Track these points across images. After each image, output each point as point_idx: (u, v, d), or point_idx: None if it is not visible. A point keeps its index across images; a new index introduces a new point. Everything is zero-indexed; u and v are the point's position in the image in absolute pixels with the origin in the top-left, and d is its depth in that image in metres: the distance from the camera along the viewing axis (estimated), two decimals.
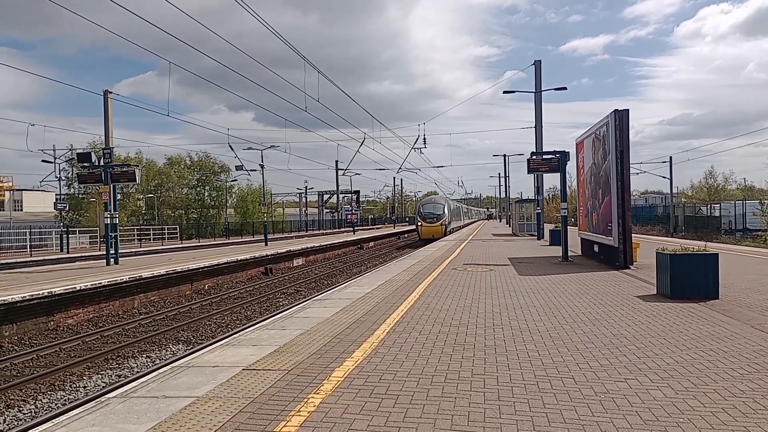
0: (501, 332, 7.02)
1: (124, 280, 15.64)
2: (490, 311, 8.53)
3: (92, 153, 22.10)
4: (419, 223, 45.56)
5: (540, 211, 31.41)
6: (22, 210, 79.93)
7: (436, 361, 5.70)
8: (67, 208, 46.98)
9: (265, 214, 42.61)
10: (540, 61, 29.96)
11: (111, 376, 9.77)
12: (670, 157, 56.87)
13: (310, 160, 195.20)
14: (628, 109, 13.83)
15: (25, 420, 7.72)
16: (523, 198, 54.40)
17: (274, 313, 13.97)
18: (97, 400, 4.92)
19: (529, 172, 18.81)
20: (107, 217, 20.25)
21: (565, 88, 31.85)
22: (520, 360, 5.68)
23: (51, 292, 13.01)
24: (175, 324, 13.87)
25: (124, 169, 20.12)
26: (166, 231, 49.60)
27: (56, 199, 45.51)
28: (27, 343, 11.89)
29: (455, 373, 5.24)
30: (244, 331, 7.89)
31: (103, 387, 9.01)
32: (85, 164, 20.56)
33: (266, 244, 33.16)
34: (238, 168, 48.61)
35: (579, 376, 5.11)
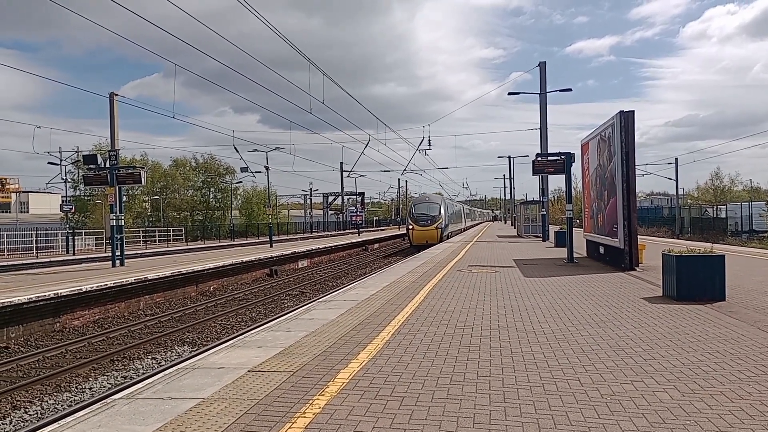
0: (506, 334, 7.00)
1: (130, 281, 15.68)
2: (496, 313, 8.51)
3: (98, 155, 22.20)
4: (410, 227, 38.95)
5: (545, 212, 31.35)
6: (28, 212, 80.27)
7: (441, 362, 5.69)
8: (73, 210, 47.18)
9: (270, 216, 42.63)
10: (545, 62, 29.92)
11: (117, 377, 9.80)
12: (676, 159, 56.83)
13: (314, 161, 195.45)
14: (633, 111, 13.78)
15: (31, 421, 7.74)
16: (528, 199, 54.29)
17: (279, 314, 13.99)
18: (103, 401, 4.93)
19: (534, 173, 18.79)
20: (113, 219, 20.31)
21: (570, 90, 31.86)
22: (526, 362, 5.66)
23: (57, 293, 13.05)
24: (181, 325, 13.89)
25: (130, 171, 20.19)
26: (171, 233, 49.77)
27: (62, 201, 45.72)
28: (33, 344, 11.93)
29: (460, 375, 5.23)
30: (249, 333, 7.89)
31: (109, 388, 9.03)
32: (91, 166, 20.64)
33: (271, 246, 33.20)
34: (243, 170, 48.68)
35: (585, 378, 5.09)
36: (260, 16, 16.75)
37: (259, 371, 5.53)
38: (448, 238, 38.67)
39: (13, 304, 11.87)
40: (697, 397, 4.52)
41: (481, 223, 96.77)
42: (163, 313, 15.63)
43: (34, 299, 12.40)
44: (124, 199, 24.02)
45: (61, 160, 45.00)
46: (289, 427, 4.02)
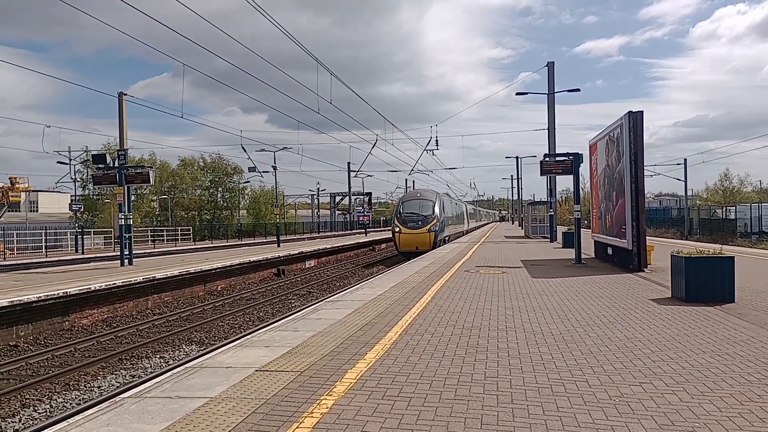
0: (514, 335, 6.98)
1: (138, 280, 15.75)
2: (503, 314, 8.49)
3: (107, 154, 22.31)
4: (396, 229, 31.16)
5: (553, 213, 31.24)
6: (37, 211, 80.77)
7: (449, 363, 5.68)
8: (81, 209, 47.44)
9: (278, 216, 42.73)
10: (553, 62, 29.80)
11: (125, 376, 9.84)
12: (685, 159, 56.59)
13: (322, 161, 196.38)
14: (642, 111, 13.73)
15: (40, 419, 7.79)
16: (536, 200, 54.11)
17: (287, 314, 14.01)
18: (111, 400, 4.96)
19: (542, 174, 18.71)
20: (121, 218, 20.42)
21: (578, 90, 31.76)
22: (534, 363, 5.65)
23: (66, 292, 13.12)
24: (189, 325, 13.94)
25: (139, 171, 20.28)
26: (179, 232, 49.98)
27: (71, 200, 46.01)
28: (42, 343, 12.01)
29: (468, 376, 5.22)
30: (256, 332, 7.91)
31: (118, 387, 9.07)
32: (100, 166, 20.75)
33: (279, 246, 33.28)
34: (251, 169, 48.93)
35: (593, 379, 5.07)
36: (269, 16, 16.79)
37: (266, 371, 5.55)
38: (444, 243, 32.73)
39: (23, 302, 11.94)
40: (707, 399, 4.50)
41: (488, 224, 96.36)
42: (171, 312, 15.68)
43: (43, 298, 12.47)
44: (133, 198, 24.12)
45: (70, 160, 45.32)
46: (297, 427, 4.02)
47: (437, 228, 31.13)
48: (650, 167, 59.74)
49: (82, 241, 35.26)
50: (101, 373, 9.96)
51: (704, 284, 9.16)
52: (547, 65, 29.92)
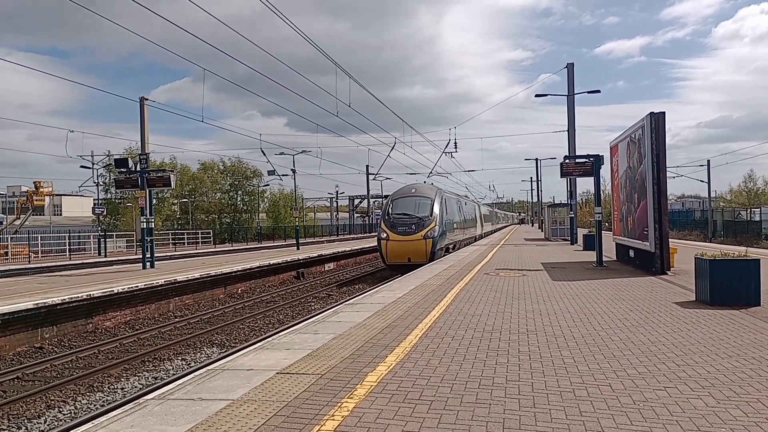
0: (535, 338, 6.93)
1: (160, 283, 15.91)
2: (524, 317, 8.43)
3: (129, 159, 22.55)
4: (384, 235, 24.02)
5: (573, 215, 30.99)
6: (61, 214, 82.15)
7: (470, 366, 5.66)
8: (104, 213, 48.10)
9: (297, 219, 42.90)
10: (572, 64, 29.59)
11: (148, 378, 9.94)
12: (708, 161, 55.61)
13: (341, 164, 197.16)
14: (664, 112, 13.56)
15: (65, 420, 7.89)
16: (556, 202, 53.68)
17: (307, 317, 14.06)
18: (135, 401, 5.01)
19: (562, 176, 18.57)
20: (143, 222, 20.66)
21: (598, 91, 31.75)
22: (555, 366, 5.60)
23: (90, 295, 13.30)
24: (210, 327, 14.05)
25: (160, 175, 20.54)
26: (199, 235, 50.47)
27: (94, 204, 46.66)
28: (66, 344, 12.18)
29: (489, 379, 5.19)
30: (277, 335, 7.95)
31: (141, 389, 9.17)
32: (123, 170, 21.00)
33: (298, 249, 33.40)
34: (271, 173, 49.10)
35: (616, 383, 5.01)
36: (288, 21, 16.87)
37: (287, 373, 5.57)
38: (448, 252, 26.39)
39: (47, 305, 12.13)
40: (733, 404, 4.42)
41: (506, 226, 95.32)
42: (192, 314, 15.82)
43: (67, 300, 12.66)
44: (154, 202, 24.41)
45: (93, 164, 45.87)
46: (319, 430, 4.03)
47: (436, 233, 23.85)
48: (672, 168, 59.04)
49: (105, 244, 35.77)
50: (124, 374, 10.07)
51: (729, 287, 9.02)
52: (567, 67, 29.73)
